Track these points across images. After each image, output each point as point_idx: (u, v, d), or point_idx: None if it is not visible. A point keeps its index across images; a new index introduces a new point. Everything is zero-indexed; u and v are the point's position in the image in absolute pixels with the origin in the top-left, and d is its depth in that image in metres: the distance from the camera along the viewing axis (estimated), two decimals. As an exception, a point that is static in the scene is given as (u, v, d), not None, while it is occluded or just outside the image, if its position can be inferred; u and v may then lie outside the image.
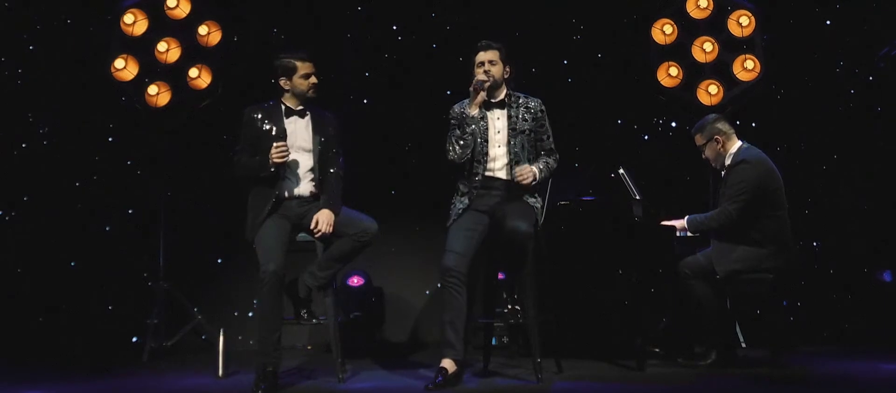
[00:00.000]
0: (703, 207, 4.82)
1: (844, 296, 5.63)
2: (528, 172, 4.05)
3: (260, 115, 4.18)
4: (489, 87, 4.10)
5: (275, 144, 4.02)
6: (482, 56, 4.13)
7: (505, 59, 4.14)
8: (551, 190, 4.40)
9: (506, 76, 4.16)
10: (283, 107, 4.22)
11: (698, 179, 5.49)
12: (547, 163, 4.18)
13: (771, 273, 4.31)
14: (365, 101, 6.00)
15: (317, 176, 4.19)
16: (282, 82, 4.22)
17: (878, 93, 5.77)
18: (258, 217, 4.07)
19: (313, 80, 4.19)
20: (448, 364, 3.91)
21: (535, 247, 4.04)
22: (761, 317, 4.93)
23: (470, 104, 4.09)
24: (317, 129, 4.22)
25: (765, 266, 4.30)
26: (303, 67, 4.18)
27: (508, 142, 4.11)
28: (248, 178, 4.15)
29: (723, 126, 4.52)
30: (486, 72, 4.09)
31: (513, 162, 4.09)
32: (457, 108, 4.17)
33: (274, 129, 4.13)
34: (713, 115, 4.65)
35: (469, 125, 4.07)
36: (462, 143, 4.07)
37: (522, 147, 4.12)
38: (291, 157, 4.12)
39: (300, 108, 4.22)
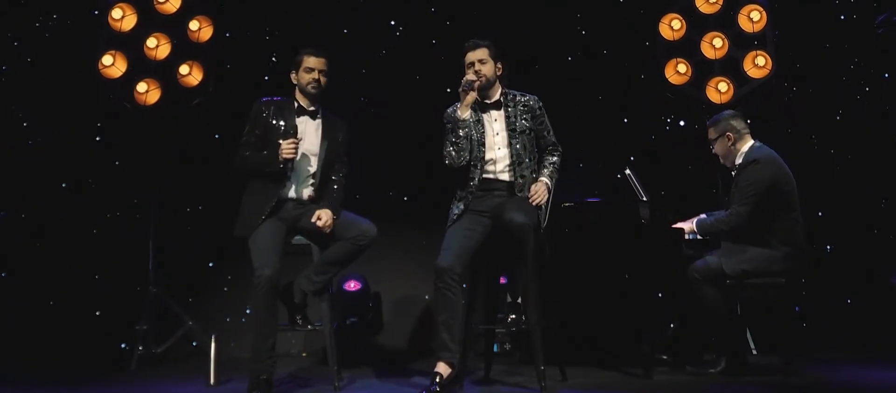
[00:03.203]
0: (712, 208, 4.83)
1: (859, 301, 5.64)
2: (542, 192, 4.04)
3: (271, 109, 4.19)
4: (481, 86, 4.10)
5: (287, 140, 4.04)
6: (471, 56, 4.12)
7: (495, 57, 4.13)
8: (555, 191, 4.41)
9: (498, 74, 4.16)
10: (295, 104, 4.23)
11: (707, 180, 5.50)
12: (553, 164, 4.18)
13: (781, 277, 4.33)
14: (362, 98, 6.02)
15: (318, 181, 4.20)
16: (292, 76, 4.26)
17: (891, 91, 5.79)
18: (255, 216, 4.07)
19: (314, 75, 4.18)
20: (442, 368, 3.91)
21: (538, 249, 4.04)
22: (773, 322, 4.94)
23: (461, 106, 4.06)
24: (326, 134, 4.24)
25: (775, 269, 4.31)
26: (306, 61, 4.20)
27: (509, 143, 4.12)
28: (249, 172, 4.16)
29: (737, 123, 4.53)
30: (476, 72, 4.09)
31: (515, 163, 4.10)
32: (450, 110, 4.17)
33: (284, 124, 4.14)
34: (730, 111, 4.65)
35: (462, 128, 4.06)
36: (457, 147, 4.07)
37: (524, 147, 4.13)
38: (297, 157, 4.14)
39: (312, 108, 4.24)
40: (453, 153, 4.07)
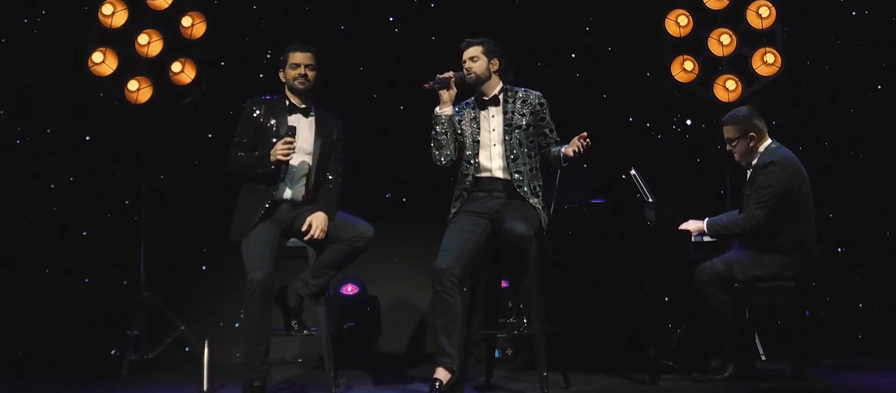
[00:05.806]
0: (719, 209, 4.82)
1: (871, 305, 5.63)
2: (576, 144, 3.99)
3: (262, 109, 4.19)
4: (473, 83, 4.14)
5: (282, 140, 4.03)
6: (464, 54, 4.18)
7: (490, 53, 4.16)
8: (558, 192, 4.41)
9: (493, 70, 4.18)
10: (287, 102, 4.23)
11: (714, 180, 5.50)
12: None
13: (792, 280, 4.31)
14: (360, 98, 6.01)
15: (312, 181, 4.19)
16: (280, 75, 4.26)
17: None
18: (249, 218, 4.07)
19: (301, 71, 4.17)
20: (442, 374, 3.91)
21: (541, 252, 4.05)
22: (782, 328, 4.94)
23: (441, 104, 4.11)
24: (320, 132, 4.23)
25: (787, 274, 4.29)
26: (292, 57, 4.20)
27: (504, 139, 4.13)
28: (242, 174, 4.16)
29: (759, 122, 4.40)
30: (467, 70, 4.14)
31: (510, 160, 4.10)
32: (437, 109, 4.19)
33: (277, 124, 4.14)
34: (748, 108, 4.49)
35: (437, 124, 4.11)
36: (437, 144, 4.12)
37: (520, 143, 4.14)
38: (292, 158, 4.13)
39: (303, 105, 4.23)
40: (434, 152, 4.13)
